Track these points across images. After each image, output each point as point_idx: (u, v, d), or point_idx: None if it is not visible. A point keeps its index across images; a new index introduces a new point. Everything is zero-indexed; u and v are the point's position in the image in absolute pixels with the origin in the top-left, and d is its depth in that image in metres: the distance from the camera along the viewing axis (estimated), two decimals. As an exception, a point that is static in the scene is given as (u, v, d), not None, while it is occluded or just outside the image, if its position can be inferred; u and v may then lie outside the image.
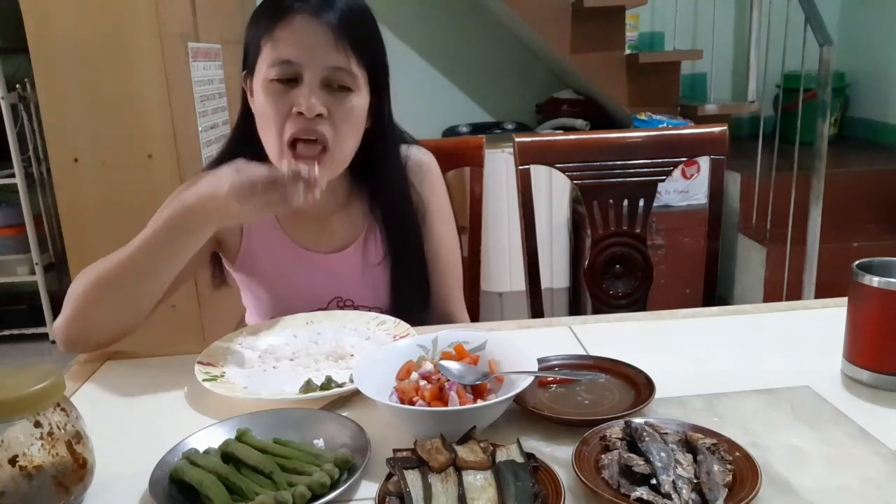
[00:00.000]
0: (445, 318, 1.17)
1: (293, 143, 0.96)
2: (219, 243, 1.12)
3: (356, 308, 1.13)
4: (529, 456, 0.64)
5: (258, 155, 1.00)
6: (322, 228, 1.12)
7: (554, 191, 2.86)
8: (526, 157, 1.39)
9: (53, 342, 3.11)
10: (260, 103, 0.98)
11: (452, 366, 0.78)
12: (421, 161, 1.16)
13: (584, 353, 0.92)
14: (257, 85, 0.99)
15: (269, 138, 0.99)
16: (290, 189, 0.83)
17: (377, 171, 1.10)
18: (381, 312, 1.07)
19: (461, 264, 1.23)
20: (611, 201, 1.39)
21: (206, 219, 0.88)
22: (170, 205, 1.03)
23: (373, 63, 1.01)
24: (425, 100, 3.57)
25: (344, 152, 1.01)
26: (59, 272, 3.13)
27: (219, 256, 1.15)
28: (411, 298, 1.12)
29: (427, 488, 0.60)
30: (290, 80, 0.95)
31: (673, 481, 0.60)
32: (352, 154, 1.03)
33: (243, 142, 1.05)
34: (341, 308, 1.13)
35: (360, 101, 1.00)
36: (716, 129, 1.39)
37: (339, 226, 1.12)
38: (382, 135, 1.07)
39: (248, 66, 1.02)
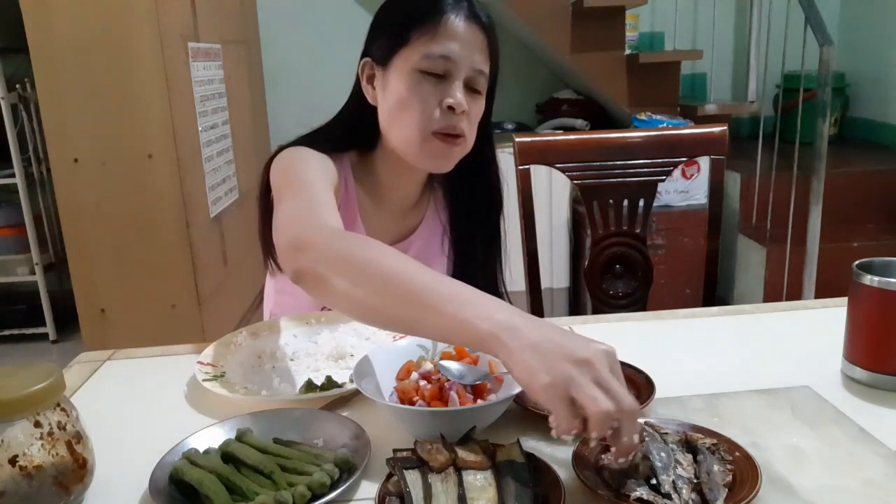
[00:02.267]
0: None
1: (436, 133, 1.01)
2: None
3: None
4: (529, 456, 0.64)
5: (362, 138, 1.09)
6: (394, 221, 1.16)
7: (554, 191, 2.85)
8: (526, 157, 1.39)
9: (54, 342, 3.11)
10: (402, 92, 1.01)
11: (452, 366, 0.78)
12: None
13: (584, 353, 0.91)
14: (399, 73, 1.01)
15: (411, 124, 1.01)
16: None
17: (482, 177, 1.15)
18: None
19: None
20: (611, 201, 1.39)
21: (500, 355, 0.62)
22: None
23: (495, 72, 1.06)
24: (425, 100, 3.57)
25: (472, 144, 1.06)
26: (59, 272, 3.13)
27: None
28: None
29: (427, 488, 0.60)
30: (438, 74, 0.99)
31: (673, 481, 0.60)
32: (469, 149, 1.07)
33: (351, 123, 1.11)
34: None
35: (483, 104, 1.06)
36: (716, 129, 1.39)
37: (407, 219, 1.18)
38: (489, 142, 1.14)
39: (379, 55, 1.04)
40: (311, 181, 0.95)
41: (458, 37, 0.99)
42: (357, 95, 1.09)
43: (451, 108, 0.99)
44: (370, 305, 0.72)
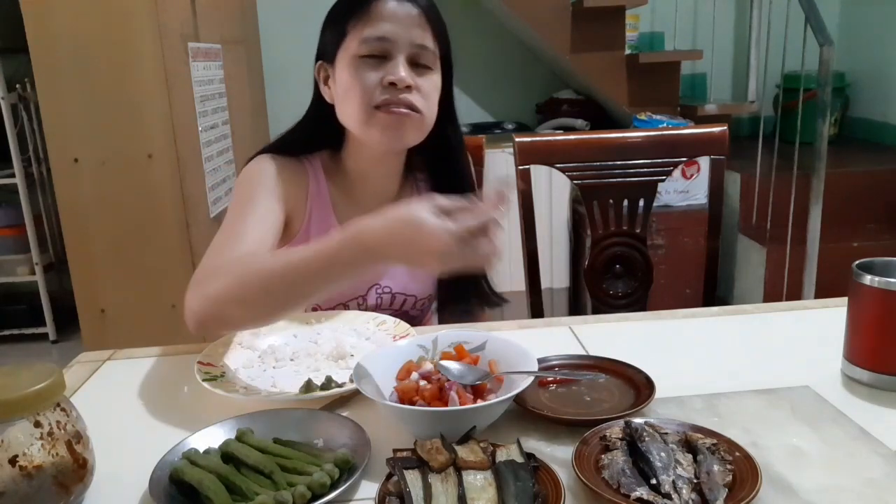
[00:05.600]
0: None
1: (379, 107, 1.01)
2: (285, 225, 1.10)
3: (394, 296, 1.15)
4: (529, 456, 0.64)
5: (328, 138, 1.10)
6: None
7: (554, 191, 2.86)
8: (526, 157, 1.39)
9: (54, 342, 3.11)
10: (346, 80, 1.02)
11: (452, 366, 0.78)
12: None
13: (584, 353, 0.92)
14: (343, 65, 1.03)
15: (355, 108, 1.02)
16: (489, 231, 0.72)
17: (448, 160, 1.15)
18: (417, 300, 1.15)
19: None
20: (611, 201, 1.39)
21: (386, 261, 0.79)
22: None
23: (445, 48, 1.06)
24: (425, 100, 3.57)
25: (431, 119, 1.06)
26: (59, 272, 3.13)
27: None
28: (462, 291, 1.17)
29: (427, 488, 0.60)
30: (379, 56, 1.01)
31: (673, 481, 0.60)
32: (431, 126, 1.07)
33: (314, 126, 1.12)
34: (380, 296, 1.15)
35: (438, 80, 1.06)
36: (716, 129, 1.39)
37: None
38: (452, 122, 1.13)
39: (328, 53, 1.06)
40: (246, 211, 1.02)
41: (391, 17, 1.00)
42: (317, 98, 1.11)
43: (392, 84, 0.99)
44: (266, 307, 0.84)
